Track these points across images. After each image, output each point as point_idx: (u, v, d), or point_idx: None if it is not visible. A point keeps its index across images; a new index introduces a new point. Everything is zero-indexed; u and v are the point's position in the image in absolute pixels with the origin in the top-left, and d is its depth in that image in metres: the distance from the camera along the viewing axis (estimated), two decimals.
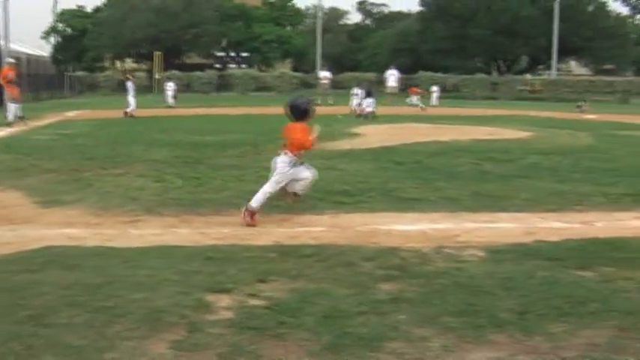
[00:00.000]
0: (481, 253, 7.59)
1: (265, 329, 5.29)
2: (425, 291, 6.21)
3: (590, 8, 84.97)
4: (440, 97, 49.84)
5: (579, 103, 43.71)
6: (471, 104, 48.36)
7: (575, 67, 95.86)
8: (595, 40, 79.42)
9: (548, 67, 79.15)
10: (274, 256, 7.39)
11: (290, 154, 9.42)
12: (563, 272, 6.88)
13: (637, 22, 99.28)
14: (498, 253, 7.60)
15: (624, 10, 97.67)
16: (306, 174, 9.61)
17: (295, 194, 9.73)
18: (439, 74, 67.39)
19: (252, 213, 9.16)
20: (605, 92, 61.82)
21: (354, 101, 35.99)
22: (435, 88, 49.96)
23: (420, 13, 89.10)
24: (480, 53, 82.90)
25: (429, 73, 67.34)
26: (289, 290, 6.21)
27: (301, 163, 9.57)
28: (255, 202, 9.25)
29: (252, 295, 6.07)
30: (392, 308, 5.76)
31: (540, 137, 22.63)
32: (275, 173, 9.45)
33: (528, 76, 74.94)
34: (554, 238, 8.30)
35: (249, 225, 9.01)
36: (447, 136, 22.02)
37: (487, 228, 9.01)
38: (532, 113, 37.39)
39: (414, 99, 43.69)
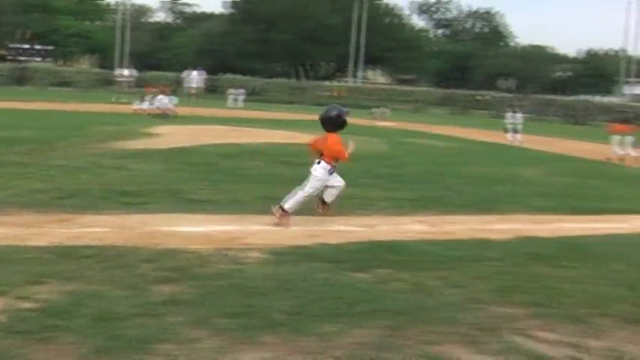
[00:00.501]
0: (263, 255, 7.68)
1: (35, 332, 5.12)
2: (202, 293, 6.21)
3: (388, 20, 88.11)
4: (245, 100, 50.15)
5: (373, 110, 45.07)
6: (273, 108, 48.83)
7: (372, 75, 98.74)
8: (394, 51, 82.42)
9: (348, 75, 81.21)
10: (52, 257, 7.17)
11: (326, 162, 9.73)
12: (341, 274, 7.08)
13: (432, 36, 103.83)
14: (280, 255, 7.73)
15: (421, 24, 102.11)
16: (337, 182, 9.91)
17: (324, 202, 9.92)
18: (239, 76, 67.54)
19: (286, 213, 9.54)
20: (402, 101, 64.02)
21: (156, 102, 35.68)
22: (233, 91, 50.16)
23: (227, 15, 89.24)
24: (284, 58, 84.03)
25: (232, 76, 67.39)
26: (64, 292, 6.04)
27: (332, 172, 9.82)
28: (288, 204, 9.55)
29: (24, 298, 5.85)
30: (167, 310, 5.72)
31: None
32: (313, 179, 9.70)
33: (326, 83, 76.44)
34: (336, 241, 8.53)
35: (278, 225, 9.39)
36: (244, 138, 22.16)
37: (272, 230, 9.16)
38: None
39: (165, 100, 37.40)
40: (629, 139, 25.92)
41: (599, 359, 5.41)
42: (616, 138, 26.11)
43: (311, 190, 9.72)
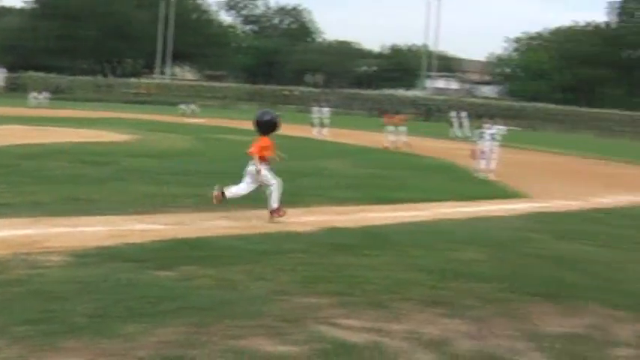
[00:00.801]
0: (64, 258, 7.46)
1: None
2: None
3: (196, 16, 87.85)
4: (50, 98, 48.94)
5: (181, 107, 44.87)
6: (80, 106, 47.58)
7: (180, 72, 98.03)
8: (202, 48, 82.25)
9: (156, 72, 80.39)
10: None
11: (264, 163, 10.55)
12: (144, 273, 7.01)
13: (240, 32, 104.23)
14: (82, 257, 7.53)
15: (229, 20, 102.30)
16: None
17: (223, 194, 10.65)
18: (42, 74, 65.38)
19: (277, 210, 10.49)
20: (211, 97, 64.00)
21: None
22: (36, 94, 48.87)
23: (28, 10, 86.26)
24: (90, 55, 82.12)
25: (35, 73, 65.17)
26: None
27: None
28: (274, 202, 10.49)
29: None
30: None
31: (142, 140, 22.87)
32: (269, 181, 10.54)
33: (134, 80, 75.29)
34: (139, 240, 8.43)
35: (280, 217, 10.46)
36: (48, 138, 21.49)
37: (75, 232, 8.91)
38: (139, 116, 37.67)
39: None
40: (402, 129, 28.12)
41: (400, 342, 5.63)
42: (390, 128, 28.18)
43: (274, 182, 10.56)
